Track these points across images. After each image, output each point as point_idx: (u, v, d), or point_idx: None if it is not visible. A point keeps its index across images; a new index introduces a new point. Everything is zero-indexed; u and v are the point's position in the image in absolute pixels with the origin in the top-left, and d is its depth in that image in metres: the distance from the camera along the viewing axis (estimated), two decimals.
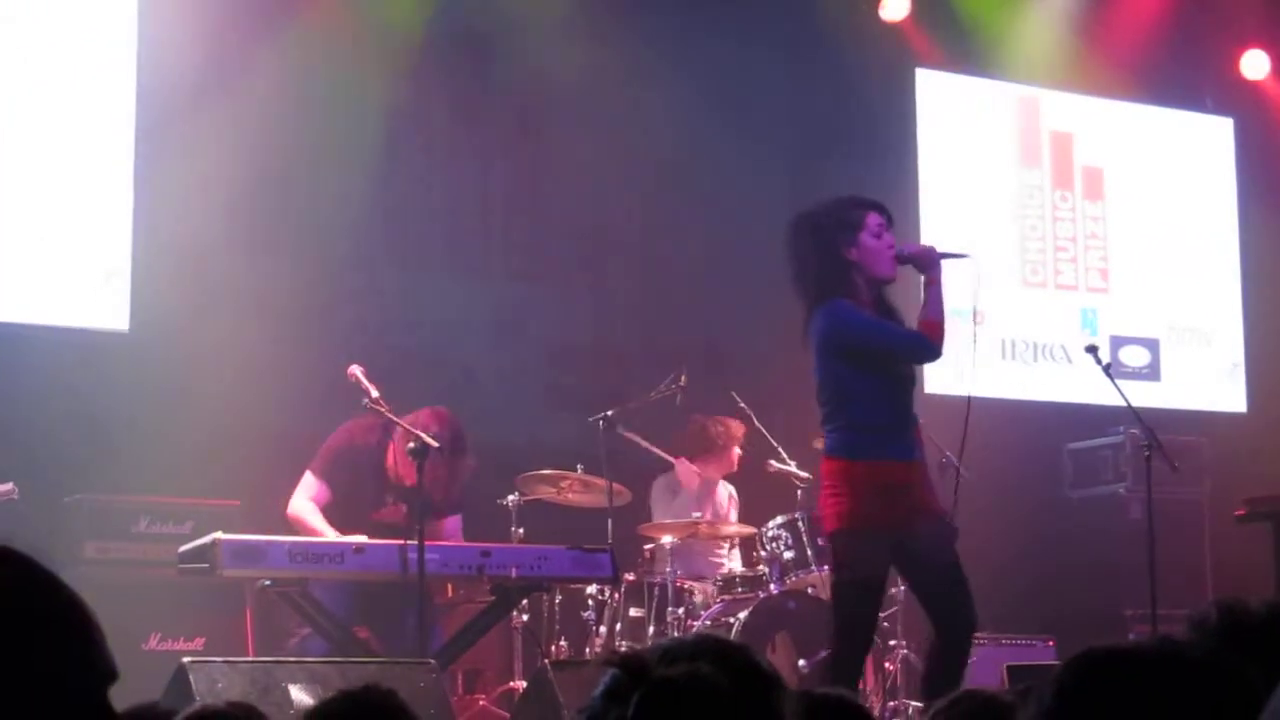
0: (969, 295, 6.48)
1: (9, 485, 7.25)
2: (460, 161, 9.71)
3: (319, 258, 9.09)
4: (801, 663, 8.16)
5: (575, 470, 8.58)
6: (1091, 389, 9.49)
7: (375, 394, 6.97)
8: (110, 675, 1.77)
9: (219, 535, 6.47)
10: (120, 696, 1.83)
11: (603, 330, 9.85)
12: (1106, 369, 7.65)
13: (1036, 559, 10.19)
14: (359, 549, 6.64)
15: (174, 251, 8.61)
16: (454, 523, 7.39)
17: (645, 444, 8.71)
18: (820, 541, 8.44)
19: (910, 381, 6.30)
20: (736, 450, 9.10)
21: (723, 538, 9.00)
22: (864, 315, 6.13)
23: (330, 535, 6.94)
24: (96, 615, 1.80)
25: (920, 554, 6.10)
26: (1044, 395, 10.94)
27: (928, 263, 6.23)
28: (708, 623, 8.16)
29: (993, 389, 10.83)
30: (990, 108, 11.23)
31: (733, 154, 10.12)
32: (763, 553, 8.38)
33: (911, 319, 6.28)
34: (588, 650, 8.18)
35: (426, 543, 6.58)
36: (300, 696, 5.58)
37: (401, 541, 6.64)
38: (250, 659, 6.82)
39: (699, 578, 8.63)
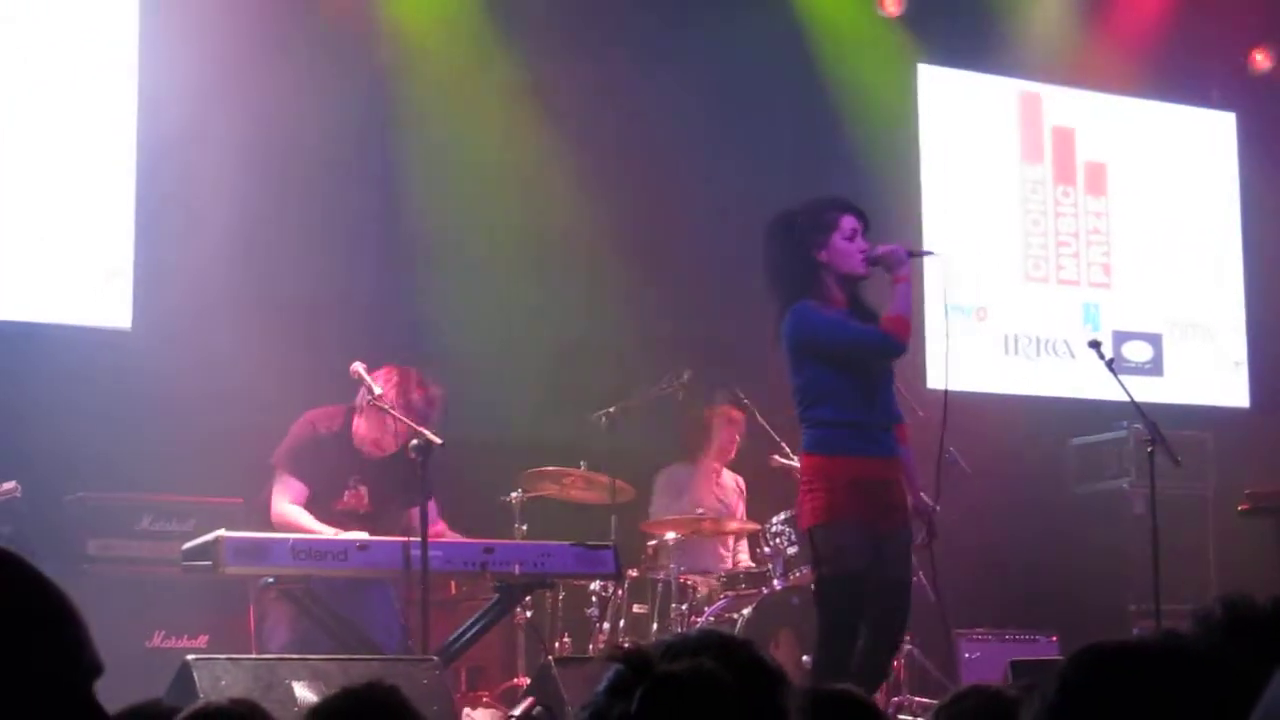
0: (942, 293, 6.61)
1: (11, 483, 7.25)
2: (462, 159, 9.70)
3: (321, 256, 9.09)
4: (805, 659, 8.15)
5: (578, 467, 8.58)
6: (1095, 384, 9.48)
7: (378, 390, 6.98)
8: (95, 670, 1.77)
9: (222, 533, 6.47)
10: (123, 694, 1.83)
11: (605, 327, 9.84)
12: (1109, 364, 7.65)
13: (1040, 554, 10.19)
14: (362, 546, 6.65)
15: (176, 250, 8.61)
16: (431, 507, 7.34)
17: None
18: None
19: (886, 380, 6.37)
20: (737, 437, 9.10)
21: (726, 533, 9.00)
22: (828, 315, 6.25)
23: (328, 534, 6.93)
24: (81, 610, 1.80)
25: (885, 557, 6.19)
26: (1047, 391, 10.93)
27: (895, 261, 6.36)
28: (711, 619, 8.16)
29: (996, 384, 10.85)
30: (992, 103, 11.22)
31: (734, 150, 10.11)
32: (766, 548, 8.38)
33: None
34: (591, 647, 8.19)
35: (430, 540, 6.58)
36: (303, 694, 5.58)
37: (405, 539, 6.64)
38: (253, 656, 6.82)
39: (702, 574, 8.63)
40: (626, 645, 1.91)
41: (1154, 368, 11.29)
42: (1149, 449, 7.73)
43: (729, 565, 8.92)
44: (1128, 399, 7.58)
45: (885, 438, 6.30)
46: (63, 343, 8.29)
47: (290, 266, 8.90)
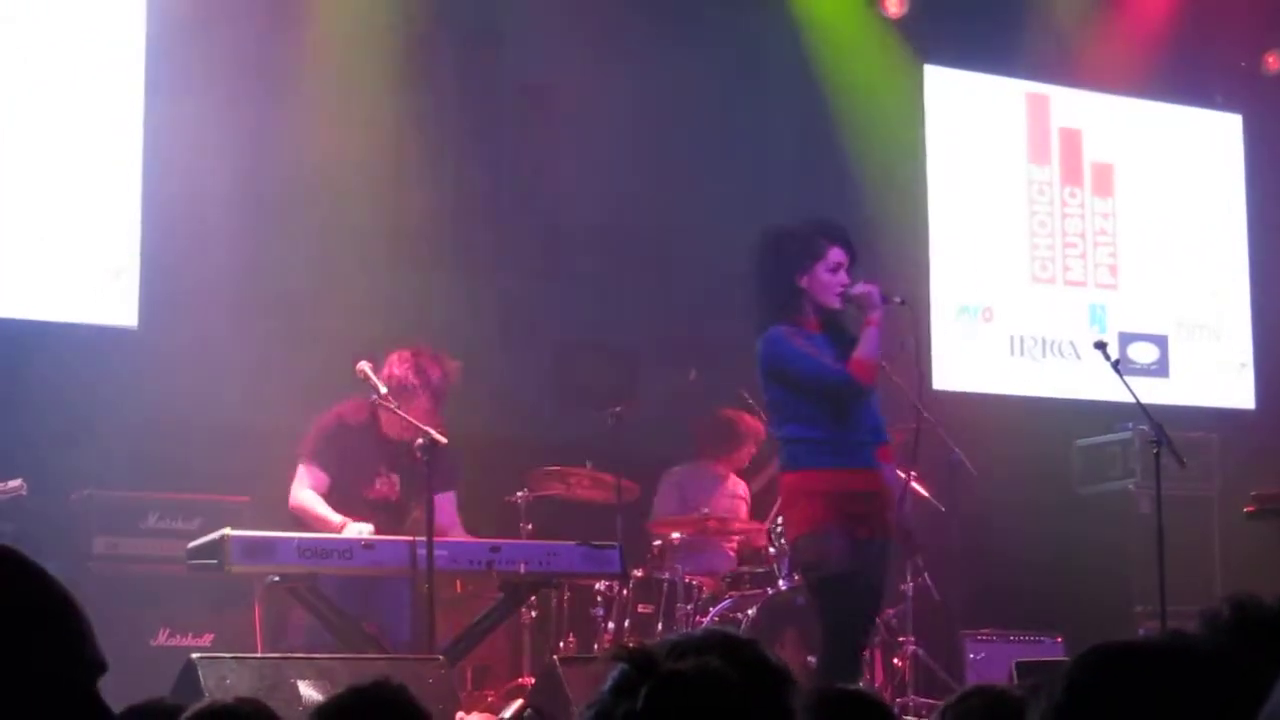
0: (904, 340, 6.79)
1: (18, 481, 7.25)
2: (468, 158, 9.70)
3: (327, 254, 9.09)
4: (810, 659, 8.15)
5: (584, 466, 8.59)
6: (1100, 385, 9.47)
7: (384, 389, 6.98)
8: (98, 667, 1.77)
9: (228, 531, 6.47)
10: (129, 692, 1.83)
11: (611, 326, 9.85)
12: (1115, 365, 7.64)
13: (1045, 555, 10.18)
14: (368, 544, 6.65)
15: (182, 248, 8.62)
16: (448, 500, 7.34)
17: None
18: None
19: (859, 401, 6.47)
20: (753, 448, 9.11)
21: (732, 533, 9.00)
22: (795, 346, 6.41)
23: (336, 520, 6.94)
24: (86, 608, 1.80)
25: (860, 562, 6.33)
26: (1053, 391, 10.93)
27: (869, 304, 6.47)
28: (716, 618, 8.16)
29: (1001, 385, 10.84)
30: (999, 104, 11.22)
31: (740, 151, 10.11)
32: (771, 549, 8.38)
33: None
34: (596, 646, 8.18)
35: (435, 539, 6.57)
36: (309, 692, 5.59)
37: (410, 538, 6.64)
38: (259, 655, 6.83)
39: (708, 573, 8.63)
40: (631, 644, 1.91)
41: (1160, 369, 11.28)
42: (1154, 450, 7.72)
43: (734, 565, 8.91)
44: (1133, 400, 7.58)
45: (860, 451, 6.45)
46: (69, 341, 8.29)
47: (296, 265, 8.90)
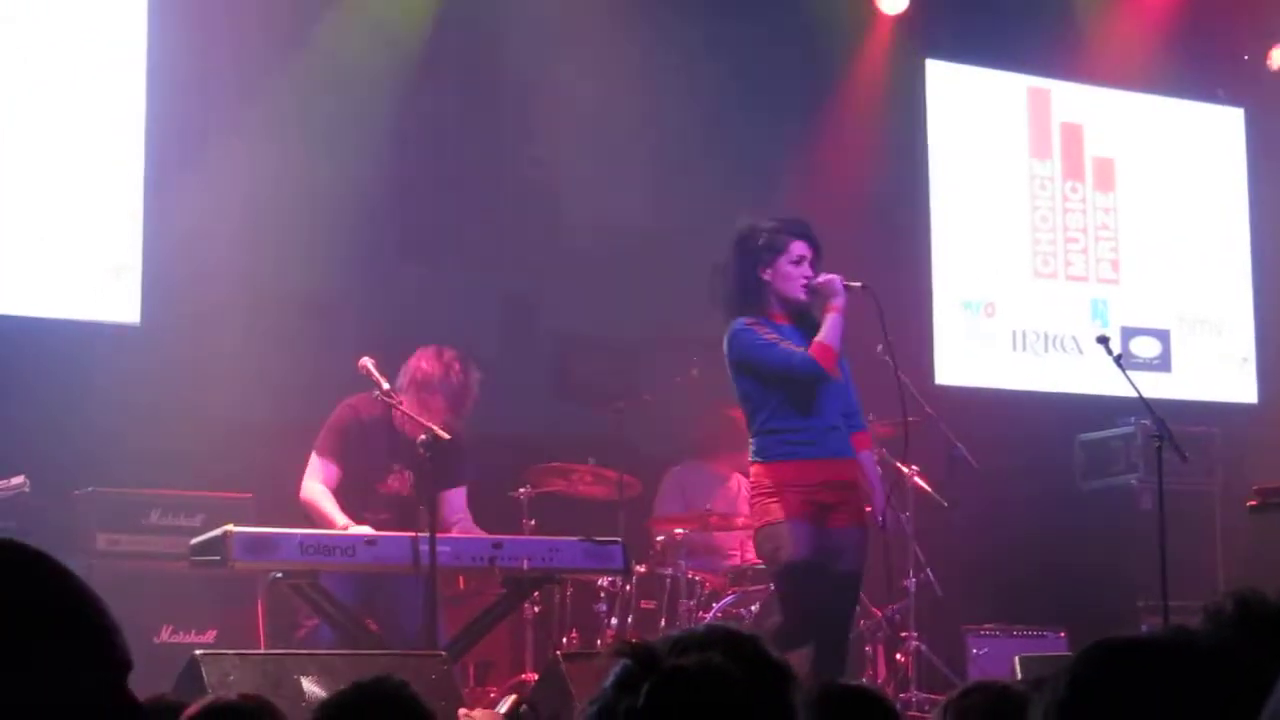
0: (875, 327, 6.86)
1: (20, 478, 7.26)
2: (469, 154, 9.70)
3: (330, 250, 9.09)
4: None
5: (587, 462, 8.59)
6: (1102, 380, 9.47)
7: (386, 386, 6.98)
8: (126, 666, 1.77)
9: (230, 527, 6.47)
10: (131, 689, 1.83)
11: (613, 322, 9.85)
12: (1117, 360, 7.64)
13: (1047, 550, 10.18)
14: (370, 541, 6.65)
15: (185, 245, 8.62)
16: (459, 495, 7.35)
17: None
18: None
19: (827, 387, 6.60)
20: None
21: (734, 529, 8.99)
22: (758, 337, 6.57)
23: (340, 520, 6.94)
24: (110, 607, 1.79)
25: (833, 551, 6.48)
26: (1055, 386, 10.93)
27: (830, 292, 6.64)
28: (719, 614, 8.16)
29: (1004, 380, 10.85)
30: (1000, 99, 11.21)
31: (741, 146, 10.10)
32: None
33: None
34: (599, 642, 8.18)
35: (438, 535, 6.57)
36: (312, 689, 5.59)
37: (413, 534, 6.64)
38: (262, 651, 6.83)
39: (710, 569, 8.63)
40: (633, 640, 1.91)
41: (1162, 363, 11.28)
42: (1157, 445, 7.72)
43: (737, 561, 8.91)
44: (1136, 395, 7.57)
45: (830, 439, 6.59)
46: (72, 338, 8.30)
47: (299, 262, 8.90)
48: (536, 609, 8.10)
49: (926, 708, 8.24)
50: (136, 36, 8.61)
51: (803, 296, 6.66)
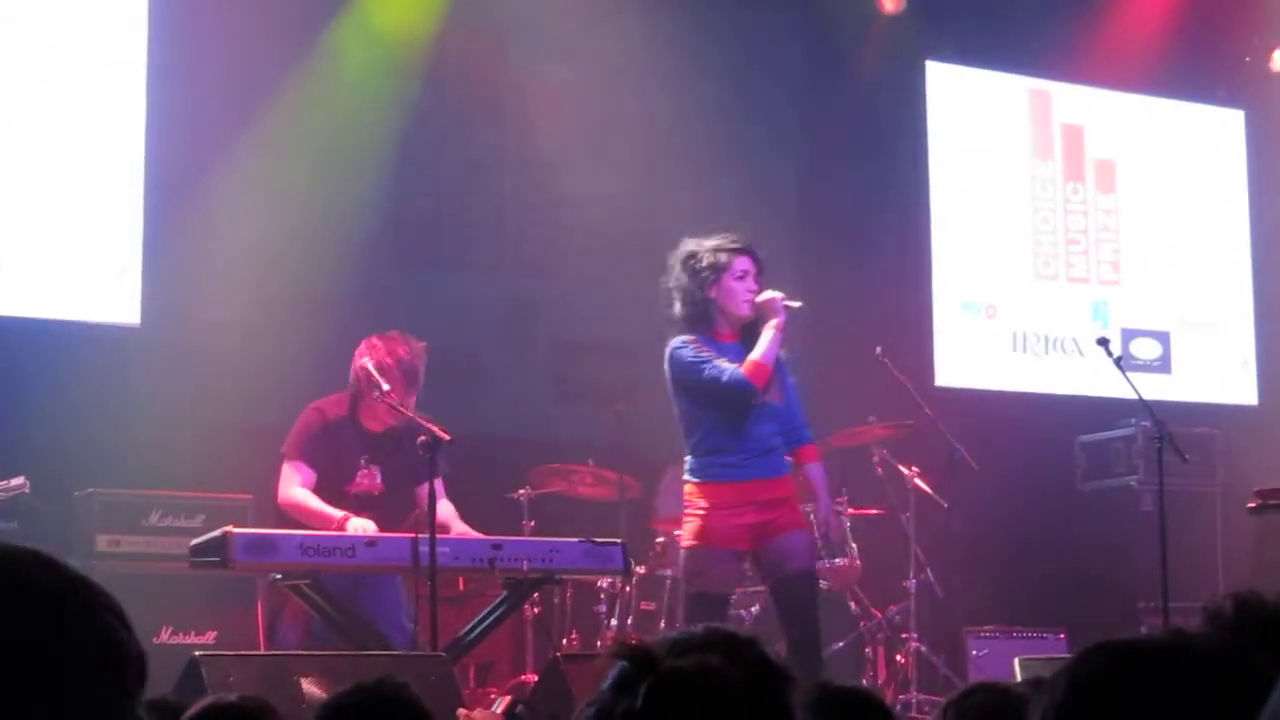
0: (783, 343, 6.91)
1: (21, 479, 7.26)
2: (471, 156, 9.71)
3: (331, 252, 9.09)
4: None
5: (587, 463, 8.59)
6: (1103, 381, 9.47)
7: (386, 387, 6.97)
8: (141, 681, 1.74)
9: (230, 528, 6.47)
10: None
11: (613, 323, 9.85)
12: (1118, 361, 7.64)
13: (1048, 552, 10.18)
14: (371, 542, 6.64)
15: (185, 247, 8.62)
16: (437, 486, 7.33)
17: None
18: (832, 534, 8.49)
19: (759, 411, 6.76)
20: None
21: None
22: (692, 353, 6.73)
23: (337, 514, 6.92)
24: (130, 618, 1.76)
25: (770, 566, 6.73)
26: (1055, 388, 10.93)
27: (771, 310, 6.80)
28: None
29: (1004, 382, 10.85)
30: (1001, 100, 11.21)
31: (742, 148, 10.11)
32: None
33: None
34: (599, 643, 8.19)
35: (438, 536, 6.57)
36: (312, 690, 5.59)
37: (413, 534, 6.64)
38: (262, 652, 6.82)
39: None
40: (632, 641, 1.91)
41: (1163, 365, 11.28)
42: (1157, 446, 7.72)
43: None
44: (1136, 396, 7.57)
45: (760, 462, 6.74)
46: (72, 339, 8.30)
47: (299, 264, 8.90)
48: (536, 610, 8.10)
49: (926, 709, 8.24)
50: (138, 37, 8.61)
51: (748, 312, 6.81)
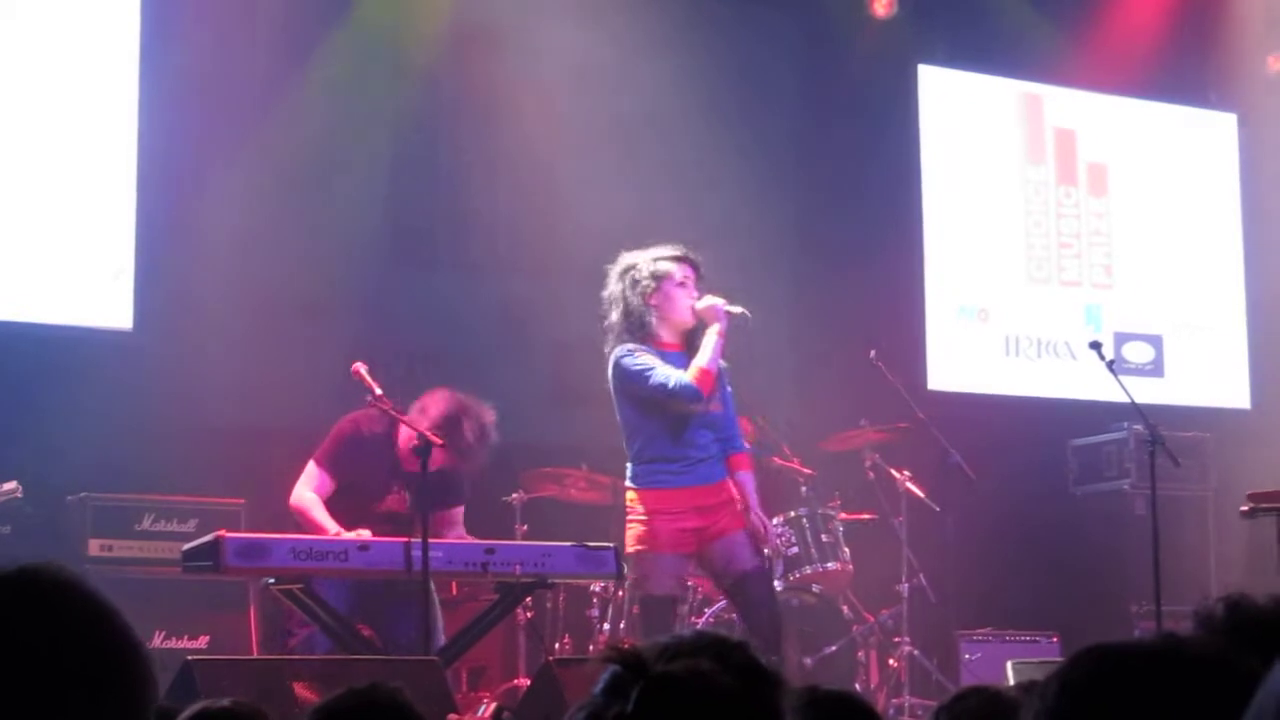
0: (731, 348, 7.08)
1: (12, 483, 7.26)
2: (464, 158, 9.70)
3: (322, 256, 9.09)
4: (807, 660, 8.16)
5: (580, 467, 8.58)
6: (1095, 385, 9.48)
7: (378, 391, 6.96)
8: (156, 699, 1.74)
9: (223, 533, 6.46)
10: None
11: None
12: (1110, 365, 7.65)
13: (1040, 555, 10.19)
14: (363, 546, 6.63)
15: (177, 251, 8.62)
16: (457, 513, 7.36)
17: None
18: (825, 538, 8.50)
19: (700, 419, 6.91)
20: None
21: None
22: (637, 362, 6.85)
23: (332, 528, 6.92)
24: (144, 645, 1.75)
25: (718, 570, 6.93)
26: (1048, 392, 10.93)
27: (713, 316, 6.92)
28: (711, 620, 8.16)
29: (997, 385, 10.85)
30: (993, 104, 11.22)
31: (736, 151, 10.11)
32: (765, 550, 8.38)
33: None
34: (592, 647, 8.19)
35: (430, 540, 6.56)
36: (304, 695, 5.58)
37: (406, 539, 6.63)
38: (254, 657, 6.82)
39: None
40: (623, 646, 1.91)
41: (1155, 369, 11.29)
42: (1150, 450, 7.73)
43: None
44: (1128, 400, 7.58)
45: (699, 468, 6.92)
46: (64, 343, 8.29)
47: (291, 267, 8.90)
48: (529, 614, 8.09)
49: (919, 713, 8.25)
50: (131, 41, 8.60)
51: (690, 319, 6.94)
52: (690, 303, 6.94)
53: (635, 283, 6.94)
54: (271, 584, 6.67)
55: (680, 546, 6.86)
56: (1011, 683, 6.88)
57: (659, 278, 6.93)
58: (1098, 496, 10.53)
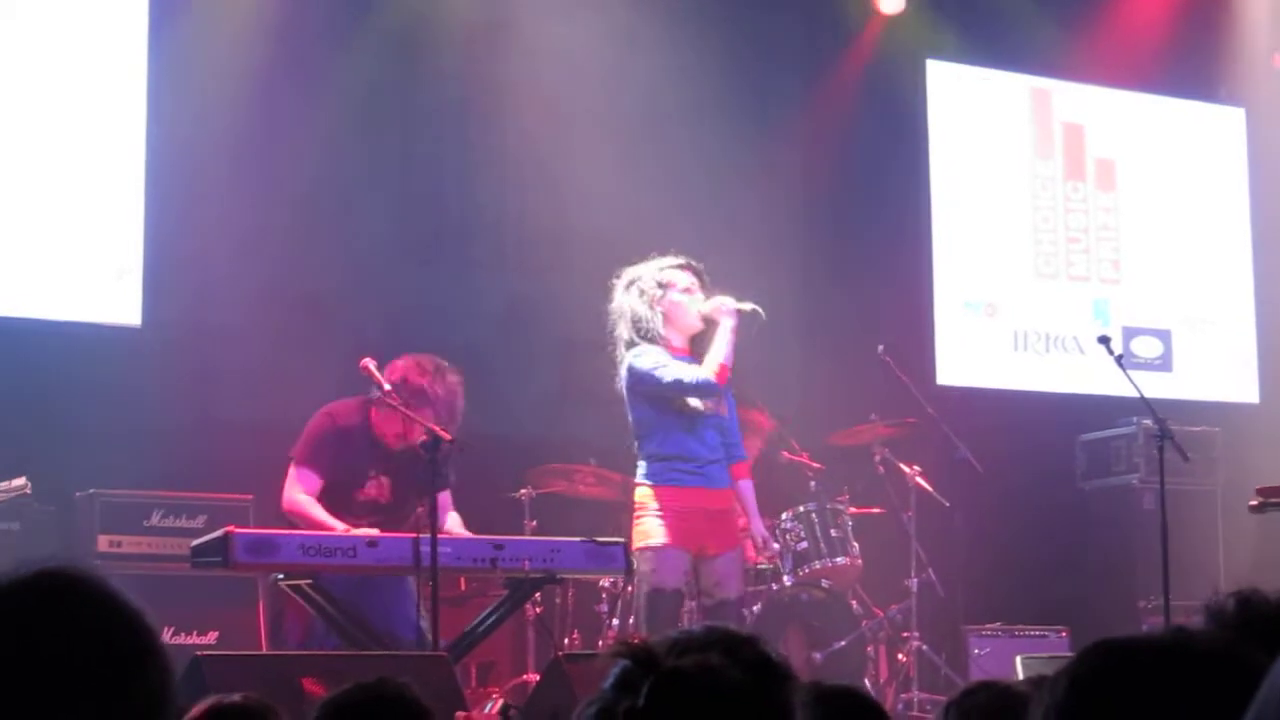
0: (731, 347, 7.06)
1: (22, 480, 7.26)
2: (473, 155, 9.70)
3: (330, 252, 9.10)
4: (816, 655, 8.16)
5: (588, 463, 8.58)
6: (1104, 380, 9.47)
7: (387, 386, 6.96)
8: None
9: (232, 529, 6.46)
10: None
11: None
12: (1119, 360, 7.64)
13: (1049, 550, 10.19)
14: (372, 542, 6.63)
15: (185, 248, 8.62)
16: (445, 497, 7.33)
17: None
18: (833, 532, 8.50)
19: (709, 420, 7.00)
20: (760, 444, 9.08)
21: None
22: (651, 360, 6.94)
23: (339, 526, 6.91)
24: (165, 649, 1.75)
25: (706, 588, 7.00)
26: (1056, 386, 10.92)
27: (722, 314, 7.02)
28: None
29: (1005, 380, 10.84)
30: (1002, 99, 11.21)
31: (743, 147, 10.11)
32: (775, 544, 8.38)
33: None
34: (601, 643, 8.18)
35: (440, 535, 6.56)
36: (314, 690, 5.58)
37: (414, 534, 6.63)
38: (263, 652, 6.82)
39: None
40: (633, 641, 1.91)
41: (1163, 363, 11.27)
42: (1158, 444, 7.71)
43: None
44: (1137, 394, 7.58)
45: (711, 470, 7.01)
46: (73, 340, 8.30)
47: (299, 263, 8.91)
48: (538, 610, 8.09)
49: (928, 708, 8.25)
50: (138, 39, 8.61)
51: (697, 324, 7.03)
52: (696, 308, 7.02)
53: (641, 292, 7.04)
54: (280, 580, 6.67)
55: (687, 544, 6.89)
56: (1020, 678, 6.88)
57: (664, 285, 7.03)
58: (1106, 491, 10.52)
